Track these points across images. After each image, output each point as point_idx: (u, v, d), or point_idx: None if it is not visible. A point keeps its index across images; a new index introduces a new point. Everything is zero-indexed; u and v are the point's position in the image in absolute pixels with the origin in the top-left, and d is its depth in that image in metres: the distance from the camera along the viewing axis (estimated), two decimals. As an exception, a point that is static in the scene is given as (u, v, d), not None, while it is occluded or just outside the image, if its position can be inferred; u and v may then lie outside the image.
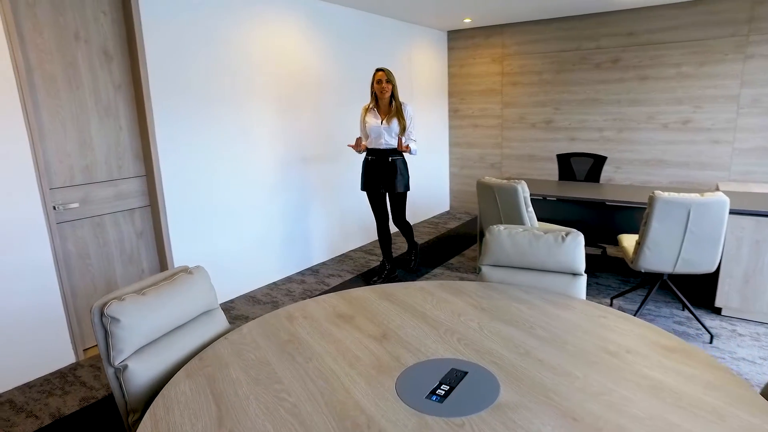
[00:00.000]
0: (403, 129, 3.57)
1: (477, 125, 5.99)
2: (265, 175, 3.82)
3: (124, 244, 3.09)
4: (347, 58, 4.49)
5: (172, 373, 1.39)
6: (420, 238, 5.05)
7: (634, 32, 4.74)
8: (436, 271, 4.03)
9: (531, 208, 3.03)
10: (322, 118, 4.29)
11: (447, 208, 6.47)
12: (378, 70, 3.51)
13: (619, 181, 5.12)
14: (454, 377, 1.23)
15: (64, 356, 2.76)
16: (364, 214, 4.88)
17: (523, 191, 2.99)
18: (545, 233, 1.84)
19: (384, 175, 3.62)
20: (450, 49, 6.01)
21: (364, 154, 3.74)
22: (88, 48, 2.79)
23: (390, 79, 3.50)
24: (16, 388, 2.57)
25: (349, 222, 4.70)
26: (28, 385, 2.59)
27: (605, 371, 1.25)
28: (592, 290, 3.54)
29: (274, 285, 3.91)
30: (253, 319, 3.38)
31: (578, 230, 3.85)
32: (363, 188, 3.74)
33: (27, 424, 2.28)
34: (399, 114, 3.55)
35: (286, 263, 4.10)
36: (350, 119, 4.59)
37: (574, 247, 1.78)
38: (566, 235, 1.80)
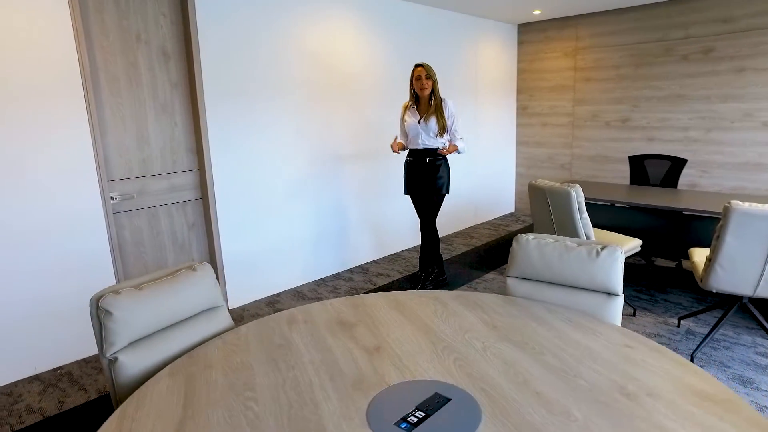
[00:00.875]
0: (443, 128, 3.31)
1: (546, 123, 5.63)
2: (315, 171, 3.85)
3: (176, 234, 3.25)
4: (409, 54, 4.40)
5: (162, 368, 1.40)
6: (479, 240, 4.85)
7: (731, 18, 4.17)
8: (488, 276, 3.83)
9: (585, 215, 2.76)
10: (379, 115, 4.24)
11: (512, 209, 6.16)
12: (417, 65, 3.28)
13: (705, 187, 4.55)
14: (434, 403, 1.12)
15: (118, 337, 2.96)
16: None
17: (577, 196, 2.73)
18: (579, 245, 1.64)
19: (423, 176, 3.42)
20: (520, 43, 5.70)
21: (405, 154, 3.54)
22: (148, 49, 2.96)
23: (430, 75, 3.26)
24: (75, 361, 2.80)
25: (402, 221, 4.63)
26: (85, 360, 2.81)
27: (612, 416, 1.07)
28: (659, 308, 3.17)
29: (322, 281, 3.94)
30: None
31: (649, 241, 3.48)
32: (406, 192, 3.54)
33: (77, 396, 2.47)
34: (438, 111, 3.30)
35: (336, 260, 4.11)
36: (406, 116, 4.51)
37: (611, 263, 1.57)
38: (602, 248, 1.59)
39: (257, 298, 3.62)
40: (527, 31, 5.61)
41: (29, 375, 2.65)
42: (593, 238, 2.85)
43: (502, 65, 5.57)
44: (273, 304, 3.54)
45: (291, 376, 1.26)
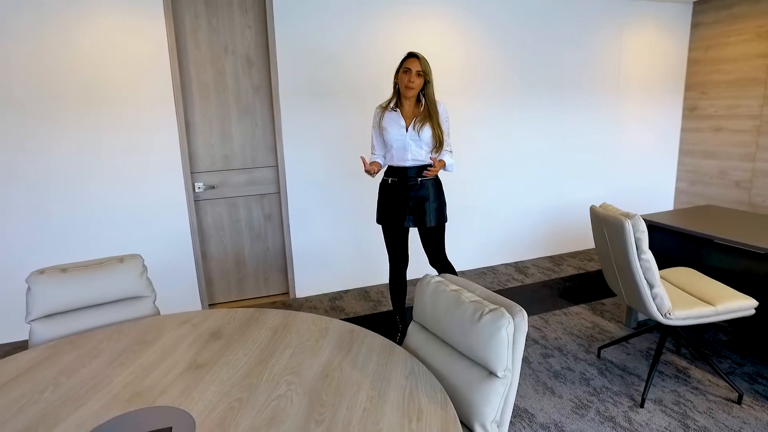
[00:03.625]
0: (439, 141, 2.52)
1: (720, 128, 4.38)
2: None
3: (253, 223, 3.62)
4: (522, 49, 3.96)
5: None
6: (596, 265, 4.10)
7: None
8: (572, 308, 3.22)
9: (647, 256, 2.10)
10: (486, 115, 3.94)
11: (668, 233, 5.00)
12: (410, 54, 2.49)
13: None
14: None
15: (194, 305, 3.48)
16: (517, 225, 4.28)
17: (634, 230, 2.10)
18: (471, 301, 1.29)
19: (411, 203, 2.59)
20: (694, 26, 4.53)
21: (381, 173, 2.72)
22: (234, 58, 3.34)
23: (424, 71, 2.45)
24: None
25: (499, 233, 4.21)
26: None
27: None
28: (789, 402, 2.21)
29: (416, 280, 3.84)
30: (355, 314, 3.53)
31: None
32: (379, 220, 2.72)
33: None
34: (433, 118, 2.51)
35: (415, 265, 3.99)
36: (511, 119, 4.06)
37: (492, 333, 1.18)
38: (488, 311, 1.22)
39: (322, 292, 3.78)
40: (706, 10, 4.42)
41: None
42: (657, 287, 2.14)
43: (661, 56, 4.52)
44: (335, 300, 3.65)
45: (72, 384, 1.33)
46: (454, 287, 1.37)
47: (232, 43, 3.32)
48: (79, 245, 3.12)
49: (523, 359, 2.63)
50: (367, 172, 2.43)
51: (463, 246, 4.10)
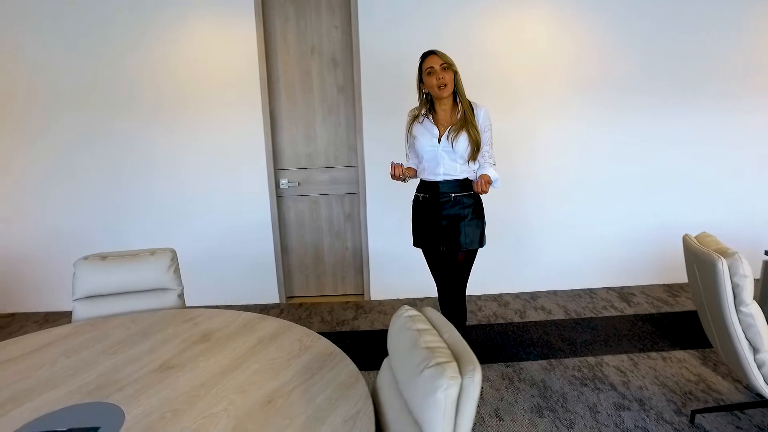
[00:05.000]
0: (476, 148, 2.18)
1: None
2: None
3: (333, 221, 3.68)
4: (641, 39, 3.36)
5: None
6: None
7: None
8: (674, 353, 2.63)
9: (749, 308, 1.59)
10: (595, 119, 3.45)
11: None
12: (426, 54, 2.18)
13: None
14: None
15: (272, 296, 3.66)
16: (626, 244, 3.65)
17: (731, 273, 1.60)
18: (426, 347, 1.07)
19: (445, 222, 2.26)
20: None
21: (414, 186, 2.42)
22: (320, 58, 3.41)
23: (448, 61, 2.14)
24: (242, 305, 3.65)
25: (603, 252, 3.64)
26: (247, 307, 3.63)
27: None
28: None
29: (478, 298, 3.62)
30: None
31: None
32: (416, 243, 2.43)
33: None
34: (469, 123, 2.17)
35: (500, 278, 3.67)
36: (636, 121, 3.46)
37: (428, 392, 0.92)
38: (434, 364, 1.00)
39: (397, 297, 3.68)
40: None
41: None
42: (765, 353, 1.59)
43: None
44: (413, 304, 3.52)
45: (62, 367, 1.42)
46: (420, 326, 1.17)
47: (319, 43, 3.38)
48: (175, 230, 3.50)
49: (589, 406, 2.22)
50: (393, 176, 2.13)
51: (558, 262, 3.63)
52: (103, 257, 1.85)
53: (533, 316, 3.23)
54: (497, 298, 3.57)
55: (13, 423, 1.14)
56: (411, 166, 2.39)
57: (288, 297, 3.73)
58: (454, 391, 0.95)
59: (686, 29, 3.38)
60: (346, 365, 1.37)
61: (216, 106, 3.34)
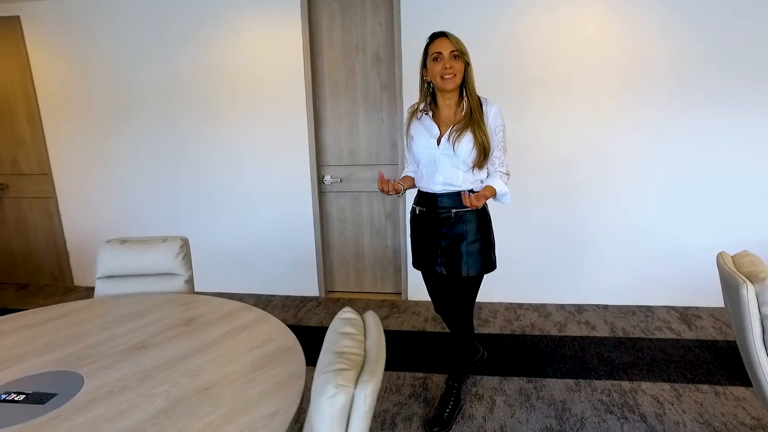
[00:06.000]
0: (484, 153, 1.87)
1: None
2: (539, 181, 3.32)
3: (374, 219, 3.68)
4: (714, 29, 2.94)
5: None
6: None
7: None
8: (735, 390, 2.27)
9: (780, 344, 1.33)
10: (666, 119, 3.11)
11: None
12: (435, 35, 1.88)
13: None
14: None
15: (312, 289, 3.76)
16: (693, 260, 3.21)
17: (759, 301, 1.34)
18: (336, 352, 1.04)
19: (444, 242, 1.97)
20: None
21: (410, 200, 2.10)
22: (364, 55, 3.42)
23: (460, 49, 1.84)
24: (283, 295, 3.80)
25: (666, 266, 3.25)
26: (288, 297, 3.76)
27: None
28: None
29: (560, 307, 3.32)
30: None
31: None
32: (415, 264, 2.15)
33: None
34: (475, 122, 1.86)
35: (539, 287, 3.43)
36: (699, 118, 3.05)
37: (316, 397, 0.89)
38: (331, 370, 0.96)
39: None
40: None
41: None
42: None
43: None
44: (483, 309, 3.41)
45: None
46: (347, 330, 1.12)
47: (363, 41, 3.39)
48: (224, 220, 3.73)
49: (609, 437, 2.01)
50: (383, 191, 1.88)
51: (612, 273, 3.31)
52: (123, 241, 2.02)
53: (573, 330, 2.98)
54: (539, 308, 3.35)
55: (-7, 382, 1.30)
56: (409, 174, 2.14)
57: (328, 291, 3.81)
58: (340, 400, 0.90)
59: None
60: (298, 363, 1.36)
61: (264, 103, 3.50)
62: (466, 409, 2.24)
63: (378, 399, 2.32)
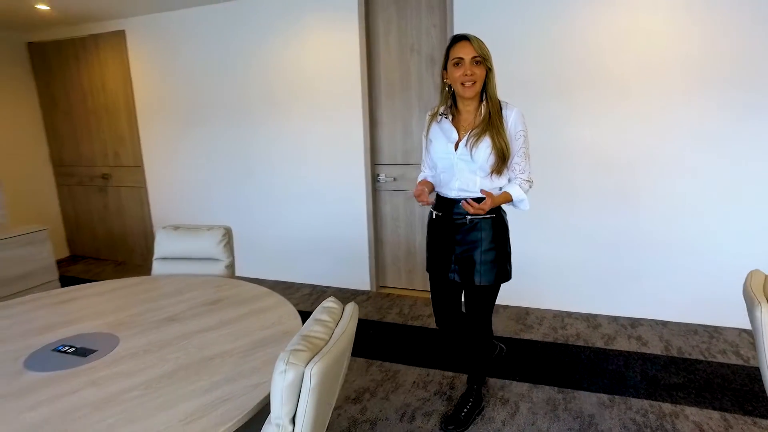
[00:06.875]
0: (501, 158, 1.82)
1: None
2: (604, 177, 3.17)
3: (426, 219, 3.72)
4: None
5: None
6: None
7: None
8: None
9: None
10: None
11: None
12: (457, 38, 1.83)
13: None
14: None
15: (364, 283, 3.90)
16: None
17: (776, 321, 1.22)
18: (303, 335, 1.13)
19: (459, 248, 1.94)
20: None
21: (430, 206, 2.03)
22: (418, 57, 3.48)
23: (483, 54, 1.80)
24: (337, 287, 3.98)
25: (739, 285, 2.93)
26: (341, 289, 3.94)
27: None
28: None
29: (613, 319, 3.14)
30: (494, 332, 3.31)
31: None
32: (428, 268, 2.11)
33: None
34: (494, 127, 1.82)
35: (591, 297, 3.25)
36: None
37: (273, 370, 1.02)
38: (290, 348, 1.06)
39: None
40: None
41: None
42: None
43: None
44: (525, 316, 3.37)
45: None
46: (322, 317, 1.22)
47: (418, 42, 3.45)
48: (284, 213, 3.99)
49: (631, 458, 1.90)
50: (420, 198, 1.86)
51: (676, 287, 3.05)
52: (176, 228, 2.29)
53: (622, 344, 2.81)
54: (589, 318, 3.19)
55: (54, 337, 1.57)
56: (428, 180, 2.10)
57: (380, 286, 3.93)
58: (290, 376, 1.00)
59: None
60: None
61: (323, 104, 3.69)
62: (488, 411, 2.23)
63: (403, 393, 2.40)
